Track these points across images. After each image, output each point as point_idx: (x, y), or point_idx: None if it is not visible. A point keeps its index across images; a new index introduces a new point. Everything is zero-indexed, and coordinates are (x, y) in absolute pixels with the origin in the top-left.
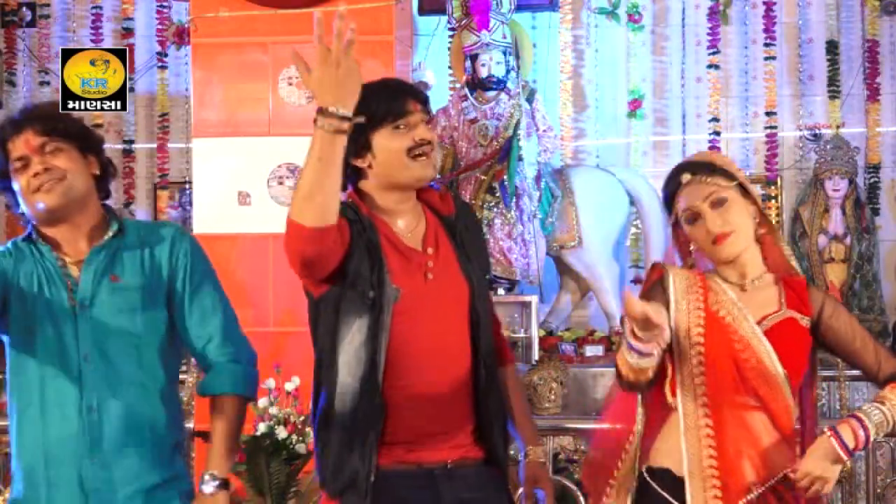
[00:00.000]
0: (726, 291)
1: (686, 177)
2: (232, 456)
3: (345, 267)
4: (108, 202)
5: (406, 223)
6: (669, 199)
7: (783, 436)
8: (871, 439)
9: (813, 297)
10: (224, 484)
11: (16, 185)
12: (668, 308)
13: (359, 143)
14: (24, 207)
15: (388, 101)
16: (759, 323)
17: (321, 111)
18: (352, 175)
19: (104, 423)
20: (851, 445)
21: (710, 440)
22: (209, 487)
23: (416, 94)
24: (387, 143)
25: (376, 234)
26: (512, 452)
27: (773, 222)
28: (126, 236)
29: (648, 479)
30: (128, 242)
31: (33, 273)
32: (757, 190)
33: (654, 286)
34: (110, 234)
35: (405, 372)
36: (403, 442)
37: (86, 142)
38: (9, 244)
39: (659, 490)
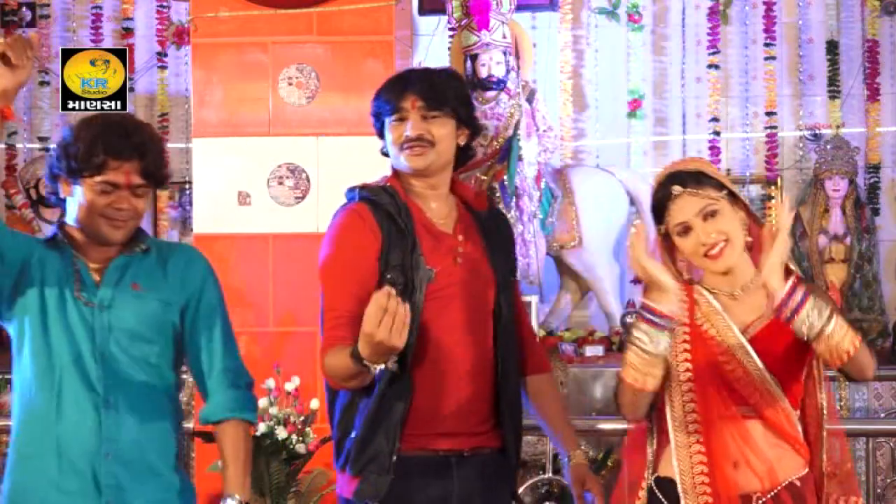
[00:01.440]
0: (711, 303)
1: (677, 189)
2: (248, 478)
3: (380, 260)
4: None
5: (438, 209)
6: (658, 208)
7: (787, 442)
8: (795, 309)
9: None
10: None
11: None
12: None
13: (379, 127)
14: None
15: (389, 94)
16: (745, 330)
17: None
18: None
19: (121, 422)
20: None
21: (700, 456)
22: None
23: (422, 89)
24: (387, 134)
25: (410, 218)
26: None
27: (765, 223)
28: (150, 252)
29: (655, 488)
30: (151, 257)
31: (57, 270)
32: (743, 193)
33: None
34: (140, 248)
35: (431, 352)
36: (424, 426)
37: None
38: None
39: (662, 500)
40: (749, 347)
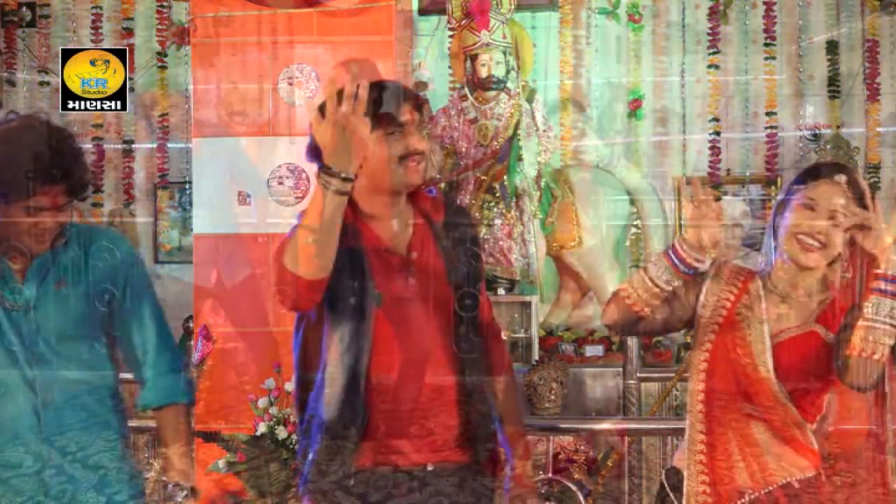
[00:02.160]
0: (761, 298)
1: (841, 178)
2: (192, 462)
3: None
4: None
5: (392, 227)
6: (809, 175)
7: (789, 446)
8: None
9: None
10: (194, 491)
11: None
12: (697, 294)
13: None
14: None
15: (382, 105)
16: (776, 334)
17: (325, 169)
18: None
19: (62, 422)
20: None
21: (702, 436)
22: (180, 497)
23: (411, 99)
24: (377, 149)
25: (359, 239)
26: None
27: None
28: (71, 244)
29: (663, 479)
30: (72, 248)
31: None
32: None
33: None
34: (60, 242)
35: (387, 373)
36: (384, 443)
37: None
38: None
39: (666, 488)
40: (768, 350)
